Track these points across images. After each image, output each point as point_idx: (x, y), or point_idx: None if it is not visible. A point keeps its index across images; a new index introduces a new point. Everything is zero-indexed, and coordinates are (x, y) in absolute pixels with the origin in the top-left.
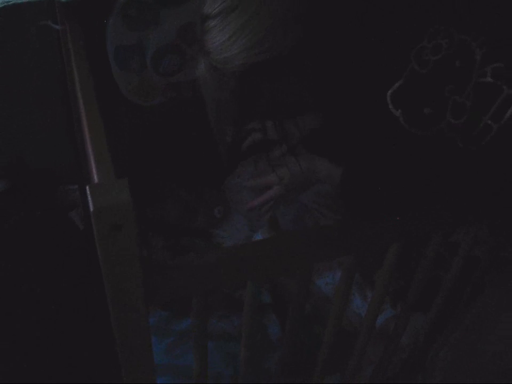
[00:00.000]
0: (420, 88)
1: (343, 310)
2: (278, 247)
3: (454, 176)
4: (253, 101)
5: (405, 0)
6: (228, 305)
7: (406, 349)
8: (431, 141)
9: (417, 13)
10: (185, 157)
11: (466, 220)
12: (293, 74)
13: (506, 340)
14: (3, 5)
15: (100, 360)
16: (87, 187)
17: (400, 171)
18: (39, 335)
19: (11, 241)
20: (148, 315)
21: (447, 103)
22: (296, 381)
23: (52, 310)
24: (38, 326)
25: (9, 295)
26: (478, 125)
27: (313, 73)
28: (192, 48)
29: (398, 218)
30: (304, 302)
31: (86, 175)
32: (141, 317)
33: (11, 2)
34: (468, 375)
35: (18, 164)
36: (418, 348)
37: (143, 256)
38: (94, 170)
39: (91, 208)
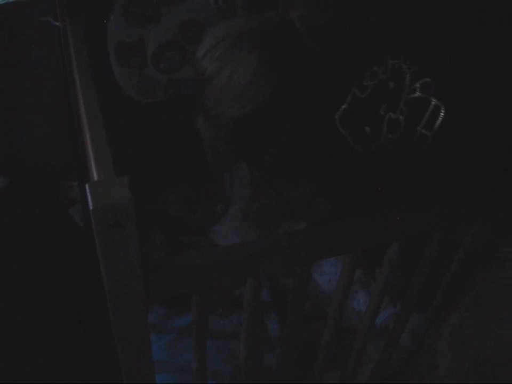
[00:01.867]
0: (360, 110)
1: (343, 307)
2: (278, 245)
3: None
4: (241, 146)
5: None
6: (227, 303)
7: (406, 350)
8: (373, 155)
9: (358, 49)
10: (186, 153)
11: (467, 219)
12: (268, 122)
13: (504, 341)
14: (4, 2)
15: (100, 358)
16: (87, 185)
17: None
18: (37, 331)
19: (10, 237)
20: (147, 312)
21: (383, 121)
22: (295, 378)
23: (51, 307)
24: (37, 322)
25: (8, 291)
26: (414, 136)
27: (283, 116)
28: (193, 44)
29: (397, 218)
30: (304, 300)
31: (86, 172)
32: (140, 314)
33: None
34: (467, 374)
35: (18, 159)
36: (417, 346)
37: (142, 254)
38: (94, 168)
39: (90, 206)
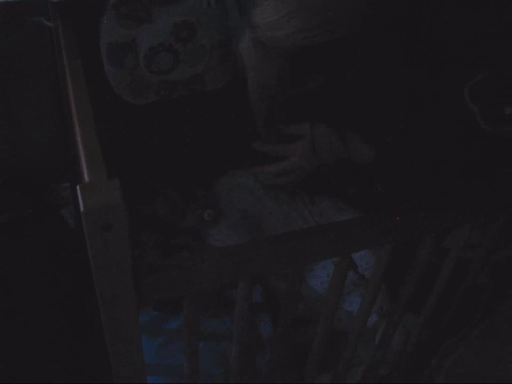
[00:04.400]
0: (503, 84)
1: (335, 309)
2: (270, 247)
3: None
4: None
5: None
6: (219, 305)
7: (397, 352)
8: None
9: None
10: (177, 157)
11: (459, 222)
12: (342, 67)
13: None
14: None
15: (92, 360)
16: (78, 186)
17: (439, 164)
18: (31, 331)
19: (2, 238)
20: (139, 315)
21: None
22: (287, 380)
23: (44, 307)
24: (29, 322)
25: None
26: None
27: (368, 63)
28: (186, 46)
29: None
30: (296, 302)
31: (78, 174)
32: (131, 317)
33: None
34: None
35: (10, 161)
36: (412, 350)
37: (134, 256)
38: (85, 170)
39: (81, 208)
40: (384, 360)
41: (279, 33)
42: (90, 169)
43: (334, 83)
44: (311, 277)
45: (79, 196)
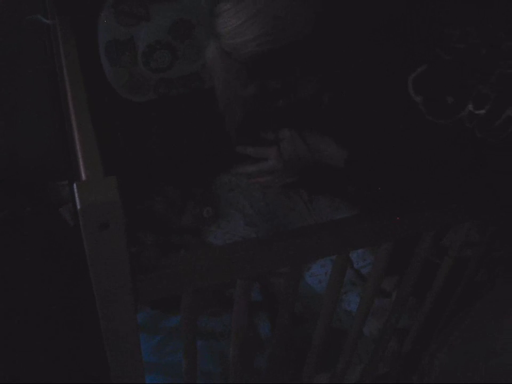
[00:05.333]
0: (443, 75)
1: (333, 308)
2: (268, 246)
3: (466, 168)
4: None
5: None
6: (217, 304)
7: (395, 353)
8: (448, 129)
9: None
10: (176, 155)
11: (457, 219)
12: (302, 67)
13: (507, 343)
14: None
15: (92, 360)
16: (75, 184)
17: (408, 160)
18: (29, 330)
19: (1, 236)
20: (136, 313)
21: (470, 92)
22: (285, 379)
23: (42, 307)
24: (27, 321)
25: None
26: (500, 117)
27: (324, 62)
28: (184, 44)
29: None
30: (294, 301)
31: (76, 172)
32: (129, 315)
33: None
34: (465, 377)
35: (8, 159)
36: (410, 347)
37: (131, 254)
38: (82, 168)
39: (78, 206)
40: (383, 359)
41: (239, 40)
42: (87, 167)
43: (299, 89)
44: (309, 275)
45: (76, 194)
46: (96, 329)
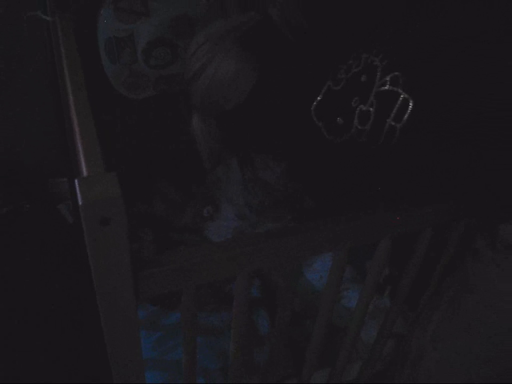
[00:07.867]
0: (334, 102)
1: (333, 304)
2: (268, 242)
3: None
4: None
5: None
6: (217, 300)
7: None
8: (345, 146)
9: (335, 43)
10: (176, 152)
11: (456, 215)
12: (250, 115)
13: (496, 337)
14: None
15: (92, 359)
16: (76, 180)
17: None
18: (28, 329)
19: (0, 233)
20: (137, 309)
21: (355, 112)
22: (284, 375)
23: (42, 305)
24: (27, 320)
25: None
26: (383, 128)
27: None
28: (184, 40)
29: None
30: (293, 297)
31: (76, 168)
32: (130, 311)
33: None
34: (456, 373)
35: (7, 156)
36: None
37: (132, 251)
38: (83, 164)
39: (79, 202)
40: (381, 356)
41: (206, 106)
42: (88, 163)
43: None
44: (310, 270)
45: (78, 190)
46: (96, 328)
